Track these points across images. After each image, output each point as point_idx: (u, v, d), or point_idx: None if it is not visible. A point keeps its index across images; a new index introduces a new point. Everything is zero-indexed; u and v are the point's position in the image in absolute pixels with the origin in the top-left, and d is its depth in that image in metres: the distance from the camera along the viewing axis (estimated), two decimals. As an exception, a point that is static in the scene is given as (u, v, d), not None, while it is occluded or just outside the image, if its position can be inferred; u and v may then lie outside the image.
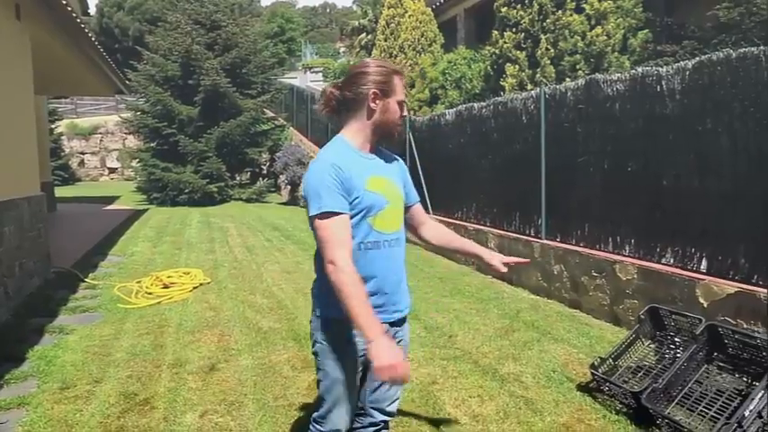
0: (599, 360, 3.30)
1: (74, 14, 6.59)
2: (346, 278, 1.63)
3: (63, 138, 21.27)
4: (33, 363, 3.82)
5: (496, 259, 2.04)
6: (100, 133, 23.30)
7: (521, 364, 3.70)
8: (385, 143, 1.95)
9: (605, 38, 9.00)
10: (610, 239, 4.72)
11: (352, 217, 1.77)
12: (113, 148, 23.37)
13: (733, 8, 7.85)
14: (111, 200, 15.40)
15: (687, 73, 4.01)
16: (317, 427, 1.93)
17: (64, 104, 23.12)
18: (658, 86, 4.23)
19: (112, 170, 23.48)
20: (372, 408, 1.99)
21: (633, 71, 4.50)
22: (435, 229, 2.15)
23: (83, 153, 23.20)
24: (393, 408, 2.02)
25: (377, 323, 1.61)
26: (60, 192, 15.70)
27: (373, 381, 1.91)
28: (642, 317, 3.49)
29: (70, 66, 9.01)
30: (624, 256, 4.55)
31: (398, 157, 2.03)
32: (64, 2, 6.16)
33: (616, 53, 9.11)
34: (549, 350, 3.94)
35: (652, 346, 3.45)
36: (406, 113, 1.89)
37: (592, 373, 3.26)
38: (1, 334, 4.37)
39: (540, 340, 4.15)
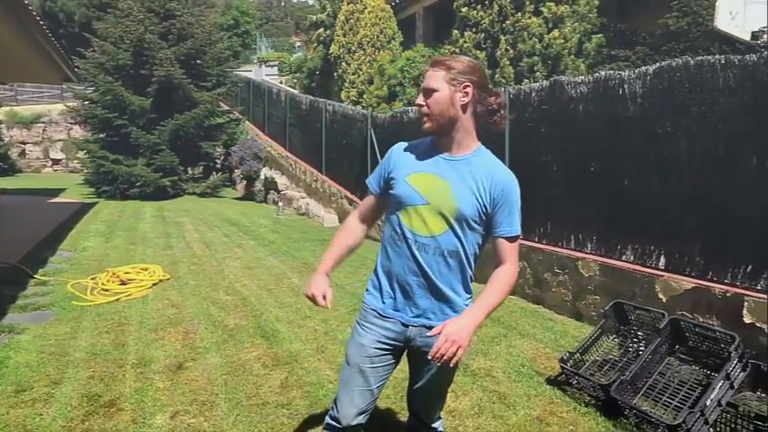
0: (567, 354, 3.40)
1: (21, -5, 6.23)
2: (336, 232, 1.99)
3: (2, 126, 20.09)
4: (-18, 365, 3.60)
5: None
6: (43, 122, 22.10)
7: (490, 359, 3.77)
8: (432, 135, 1.85)
9: (562, 41, 9.26)
10: (572, 237, 4.87)
11: (390, 203, 1.89)
12: (57, 138, 22.23)
13: (681, 18, 8.23)
14: (57, 192, 14.65)
15: (648, 77, 4.17)
16: (330, 411, 1.99)
17: (2, 91, 21.84)
18: (620, 89, 4.38)
19: (56, 161, 22.34)
20: (411, 413, 2.09)
21: (597, 74, 4.65)
22: (493, 276, 1.82)
23: (24, 143, 21.95)
24: (431, 419, 2.01)
25: (322, 262, 1.96)
26: (0, 183, 14.88)
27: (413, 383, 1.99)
28: (607, 312, 3.62)
29: (14, 50, 8.51)
30: (586, 253, 4.70)
31: (501, 174, 1.78)
32: (11, -19, 5.82)
33: (572, 56, 9.39)
34: (517, 345, 4.03)
35: (616, 340, 3.59)
36: (419, 101, 1.79)
37: (561, 367, 3.35)
38: (-56, 335, 4.11)
39: (506, 335, 4.24)
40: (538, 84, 5.32)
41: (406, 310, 1.84)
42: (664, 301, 3.94)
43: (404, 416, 2.92)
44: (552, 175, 5.06)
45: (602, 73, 4.58)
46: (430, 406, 1.99)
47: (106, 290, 5.24)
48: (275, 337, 4.16)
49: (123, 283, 5.39)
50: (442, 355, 1.59)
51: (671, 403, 2.96)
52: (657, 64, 4.14)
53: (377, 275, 1.93)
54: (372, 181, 1.96)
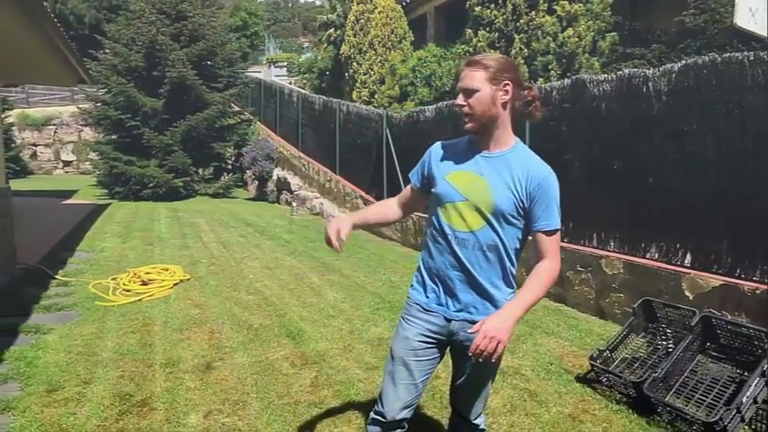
0: (597, 352, 3.39)
1: (41, -2, 6.27)
2: None
3: (14, 128, 20.25)
4: (12, 364, 3.62)
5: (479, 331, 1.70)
6: (54, 124, 22.28)
7: (518, 357, 3.76)
8: (471, 133, 1.88)
9: (576, 39, 9.22)
10: (595, 235, 4.85)
11: (431, 200, 1.94)
12: (68, 140, 22.39)
13: (699, 14, 8.18)
14: (69, 194, 14.75)
15: (673, 75, 4.15)
16: (375, 406, 2.01)
17: (14, 93, 22.01)
18: (645, 87, 4.36)
19: (67, 163, 22.50)
20: (453, 409, 2.09)
21: (620, 72, 4.63)
22: (533, 271, 1.81)
23: (35, 145, 22.13)
24: (473, 416, 2.01)
25: (353, 214, 2.08)
26: (13, 185, 14.93)
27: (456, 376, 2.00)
28: (636, 310, 3.61)
29: (30, 51, 8.56)
30: (610, 251, 4.69)
31: (538, 169, 1.79)
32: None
33: (586, 54, 9.35)
34: (543, 343, 4.02)
35: (645, 338, 3.57)
36: (459, 101, 1.81)
37: (591, 365, 3.34)
38: (-29, 335, 4.14)
39: (531, 334, 4.23)
40: (559, 82, 5.31)
41: (448, 305, 1.87)
42: (690, 298, 3.92)
43: (440, 415, 2.93)
44: (574, 173, 5.04)
45: (626, 71, 4.56)
46: (472, 402, 1.99)
47: (128, 290, 5.27)
48: (300, 336, 4.16)
49: (145, 284, 5.42)
50: (482, 351, 1.61)
51: (704, 401, 2.94)
52: (683, 61, 4.12)
53: (420, 271, 1.97)
54: (413, 174, 2.04)
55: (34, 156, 22.06)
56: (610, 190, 4.68)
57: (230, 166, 16.94)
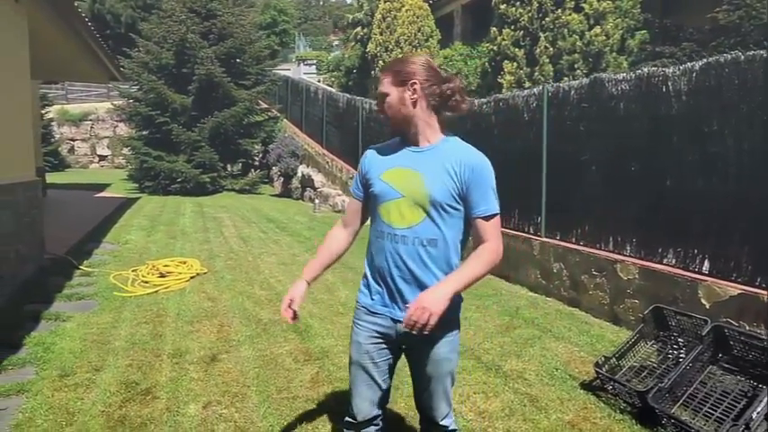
0: (603, 359, 3.32)
1: (72, -3, 6.47)
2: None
3: (53, 124, 20.95)
4: (30, 349, 3.76)
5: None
6: (90, 120, 22.97)
7: (523, 361, 3.70)
8: (399, 134, 1.91)
9: (604, 38, 9.05)
10: (611, 239, 4.74)
11: (371, 203, 1.93)
12: (104, 135, 23.06)
13: (733, 11, 7.92)
14: (102, 187, 15.19)
15: (694, 74, 4.02)
16: (348, 411, 2.02)
17: (54, 90, 22.75)
18: (664, 87, 4.24)
19: (103, 157, 23.18)
20: (420, 413, 2.04)
21: (639, 71, 4.51)
22: (473, 252, 1.80)
23: (73, 140, 22.86)
24: (438, 417, 1.95)
25: (305, 270, 2.05)
26: (50, 178, 15.46)
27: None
28: (646, 317, 3.51)
29: (65, 50, 8.85)
30: (625, 255, 4.57)
31: (470, 157, 1.78)
32: (62, -16, 6.05)
33: (614, 53, 9.17)
34: (551, 348, 3.95)
35: (655, 346, 3.47)
36: (377, 107, 1.94)
37: (596, 372, 3.27)
38: (-4, 320, 4.30)
39: (540, 338, 4.16)
40: (577, 81, 5.20)
41: (394, 306, 1.86)
42: (707, 307, 3.80)
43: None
44: (591, 174, 4.94)
45: (645, 70, 4.44)
46: (434, 402, 1.94)
47: (146, 282, 5.40)
48: (307, 332, 4.19)
49: (162, 276, 5.54)
50: (415, 323, 1.60)
51: (712, 414, 2.84)
52: (704, 60, 3.98)
53: (365, 274, 1.98)
54: (353, 187, 2.03)
55: (72, 150, 22.77)
56: (627, 192, 4.57)
57: (257, 163, 17.16)
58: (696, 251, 4.04)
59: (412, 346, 1.89)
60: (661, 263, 4.27)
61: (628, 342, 3.47)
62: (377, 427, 2.00)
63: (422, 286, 1.79)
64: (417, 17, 15.36)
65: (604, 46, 8.97)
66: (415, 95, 1.80)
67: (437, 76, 1.82)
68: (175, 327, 4.24)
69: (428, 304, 1.61)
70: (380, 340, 1.90)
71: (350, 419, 1.99)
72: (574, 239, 5.16)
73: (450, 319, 1.78)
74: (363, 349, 1.92)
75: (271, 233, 8.84)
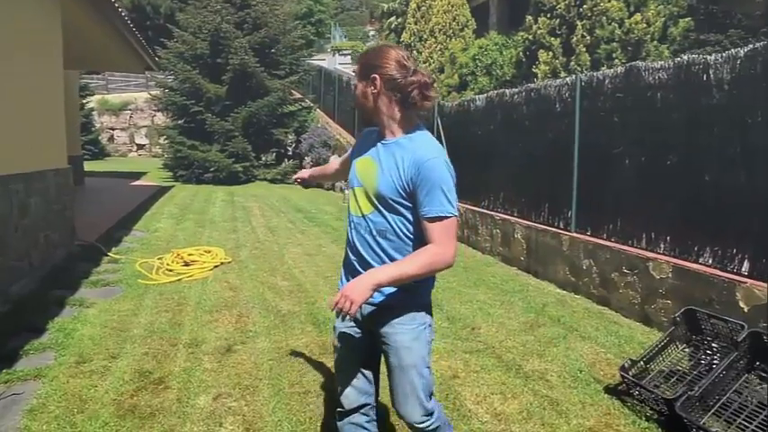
0: (629, 362, 3.14)
1: (104, -13, 6.55)
2: None
3: (94, 113, 21.55)
4: (52, 334, 3.81)
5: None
6: (129, 110, 23.56)
7: (546, 361, 3.56)
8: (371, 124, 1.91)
9: (644, 26, 8.67)
10: (644, 235, 4.51)
11: None
12: (142, 124, 23.62)
13: (786, -4, 7.45)
14: (138, 176, 15.55)
15: (738, 62, 3.76)
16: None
17: (95, 80, 23.39)
18: (705, 75, 3.98)
19: (141, 146, 23.75)
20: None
21: (678, 59, 4.26)
22: (412, 253, 1.77)
23: (112, 129, 23.50)
24: (407, 417, 1.85)
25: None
26: (90, 166, 15.90)
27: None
28: (678, 319, 3.31)
29: (100, 41, 9.01)
30: (658, 253, 4.34)
31: (419, 153, 1.72)
32: (94, -26, 6.12)
33: (655, 42, 8.78)
34: (576, 348, 3.78)
35: (687, 350, 3.27)
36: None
37: (621, 376, 3.10)
38: (24, 304, 4.40)
39: (566, 337, 3.99)
40: (612, 70, 4.96)
41: None
42: (745, 310, 3.56)
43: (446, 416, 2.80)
44: (624, 167, 4.71)
45: (684, 57, 4.18)
46: (400, 398, 1.85)
47: (170, 270, 5.44)
48: (326, 325, 4.13)
49: (187, 265, 5.58)
50: (340, 310, 1.63)
51: (747, 427, 2.65)
52: (750, 46, 3.71)
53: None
54: (351, 150, 2.10)
55: (111, 139, 23.41)
56: (662, 187, 4.33)
57: (290, 153, 17.26)
58: (735, 251, 3.79)
59: (375, 331, 1.87)
60: (696, 262, 4.04)
61: (657, 345, 3.28)
62: (367, 418, 1.95)
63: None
64: (452, 6, 15.11)
65: (645, 34, 8.60)
66: (376, 90, 1.77)
67: (402, 72, 1.74)
68: (194, 316, 4.25)
69: (350, 292, 1.62)
70: (351, 324, 1.91)
71: (339, 408, 1.99)
72: (605, 235, 4.94)
73: (398, 306, 1.80)
74: (338, 333, 1.95)
75: (299, 223, 8.85)
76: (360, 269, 1.82)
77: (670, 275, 4.15)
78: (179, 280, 5.21)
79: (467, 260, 6.61)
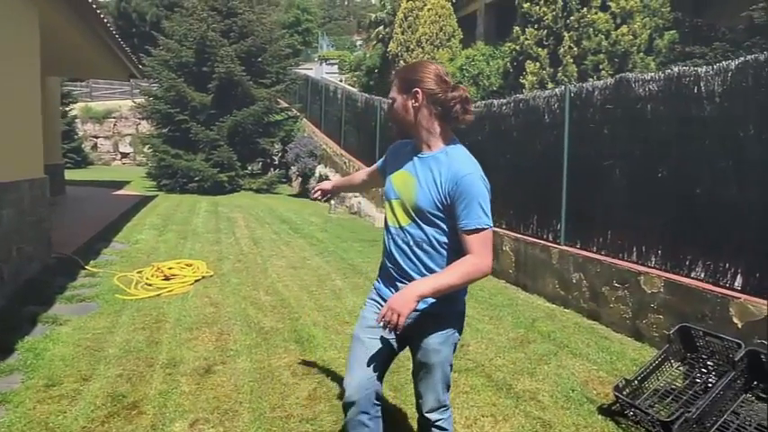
0: (623, 382, 3.04)
1: (84, -7, 6.40)
2: None
3: (77, 121, 21.20)
4: (22, 355, 3.62)
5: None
6: (114, 117, 23.23)
7: (537, 380, 3.45)
8: (401, 136, 2.05)
9: (631, 37, 8.70)
10: (634, 249, 4.45)
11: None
12: (126, 132, 23.29)
13: (769, 10, 7.51)
14: (122, 185, 15.26)
15: (729, 74, 3.72)
16: None
17: (79, 87, 23.06)
18: (696, 87, 3.94)
19: (125, 155, 23.41)
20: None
21: (669, 71, 4.21)
22: (453, 264, 1.84)
23: (96, 137, 23.14)
24: (424, 408, 2.00)
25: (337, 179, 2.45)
26: (72, 174, 15.60)
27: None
28: (672, 336, 3.23)
29: (82, 47, 8.83)
30: (650, 267, 4.28)
31: (457, 167, 1.78)
32: (73, -21, 5.97)
33: (641, 53, 8.81)
34: (568, 366, 3.68)
35: (681, 368, 3.19)
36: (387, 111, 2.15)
37: (615, 396, 3.00)
38: (-8, 321, 4.20)
39: (557, 354, 3.89)
40: (602, 81, 4.91)
41: (391, 291, 1.97)
42: (739, 326, 3.49)
43: None
44: (614, 180, 4.65)
45: (675, 69, 4.14)
46: (421, 389, 2.01)
47: (150, 284, 5.27)
48: (310, 342, 3.99)
49: (167, 279, 5.41)
50: (388, 322, 1.72)
51: (745, 449, 2.56)
52: (741, 58, 3.67)
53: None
54: (380, 161, 2.26)
55: (95, 147, 23.05)
56: (653, 199, 4.27)
57: (276, 162, 17.09)
58: (728, 265, 3.73)
59: (407, 332, 1.91)
60: (689, 276, 3.97)
61: (651, 363, 3.19)
62: (368, 415, 1.98)
63: (408, 280, 1.91)
64: (440, 16, 15.11)
65: (631, 46, 8.61)
66: (418, 103, 1.84)
67: (443, 86, 1.83)
68: (173, 334, 4.08)
69: (396, 306, 1.71)
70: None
71: (345, 400, 2.00)
72: (595, 248, 4.87)
73: (440, 314, 1.90)
74: (365, 323, 2.03)
75: (283, 234, 8.69)
76: (396, 276, 1.95)
77: (662, 290, 4.08)
78: (158, 295, 5.03)
79: (455, 273, 6.50)
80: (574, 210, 5.16)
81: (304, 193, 14.92)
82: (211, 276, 5.77)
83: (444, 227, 1.85)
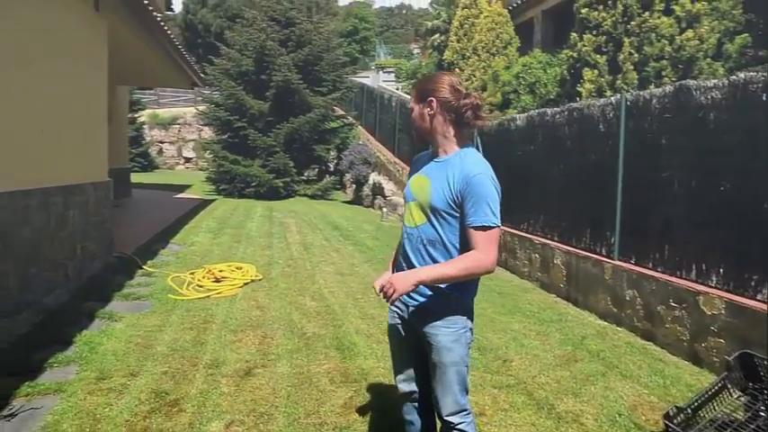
0: (675, 409, 2.85)
1: (150, 7, 6.72)
2: None
3: (145, 127, 22.29)
4: (78, 348, 3.82)
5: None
6: (179, 124, 24.27)
7: (581, 401, 3.30)
8: (423, 144, 2.15)
9: (697, 42, 8.27)
10: (694, 266, 4.19)
11: None
12: (190, 138, 24.28)
13: None
14: (183, 188, 15.91)
15: (802, 81, 3.46)
16: None
17: (147, 95, 24.26)
18: (765, 95, 3.69)
19: (188, 160, 24.40)
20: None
21: (733, 77, 3.96)
22: (456, 257, 1.99)
23: (162, 142, 24.25)
24: (443, 411, 2.04)
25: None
26: (138, 178, 16.41)
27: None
28: (731, 364, 3.01)
29: (148, 58, 9.30)
30: (710, 286, 4.02)
31: (468, 168, 1.91)
32: (140, -6, 6.29)
33: (708, 59, 8.36)
34: (616, 388, 3.50)
35: (743, 399, 2.96)
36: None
37: (665, 425, 2.82)
38: (55, 315, 4.45)
39: (605, 374, 3.72)
40: (660, 89, 4.68)
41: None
42: (809, 354, 3.21)
43: None
44: (672, 193, 4.41)
45: (741, 75, 3.89)
46: (438, 392, 2.06)
47: (200, 286, 5.43)
48: (350, 350, 3.99)
49: (217, 281, 5.56)
50: (384, 293, 1.89)
51: (810, 489, 2.34)
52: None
53: None
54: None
55: (160, 152, 24.14)
56: (715, 214, 4.01)
57: (331, 169, 17.33)
58: (798, 287, 3.45)
59: (419, 330, 2.06)
60: (754, 298, 3.70)
61: (707, 391, 2.97)
62: (409, 407, 2.24)
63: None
64: (496, 24, 14.91)
65: (697, 51, 8.19)
66: (433, 111, 2.00)
67: (456, 94, 1.98)
68: (218, 335, 4.18)
69: (395, 281, 1.88)
70: (400, 321, 2.18)
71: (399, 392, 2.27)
72: (650, 264, 4.63)
73: (437, 310, 2.00)
74: (391, 330, 2.24)
75: (334, 241, 8.77)
76: None
77: (723, 312, 3.82)
78: (207, 296, 5.18)
79: (503, 285, 6.35)
80: (628, 223, 4.93)
81: (357, 200, 15.03)
82: (260, 280, 5.89)
83: (456, 226, 1.96)
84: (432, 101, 1.99)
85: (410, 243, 2.06)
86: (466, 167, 1.92)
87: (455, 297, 2.01)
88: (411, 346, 2.15)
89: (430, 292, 2.01)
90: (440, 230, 1.98)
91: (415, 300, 2.04)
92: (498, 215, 1.90)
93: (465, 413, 2.05)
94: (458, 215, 1.94)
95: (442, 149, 2.03)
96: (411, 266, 2.03)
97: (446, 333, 2.00)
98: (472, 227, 1.89)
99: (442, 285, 1.98)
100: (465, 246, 1.94)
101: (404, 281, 1.88)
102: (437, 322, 2.00)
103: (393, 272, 2.25)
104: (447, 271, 1.90)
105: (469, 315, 2.06)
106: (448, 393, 2.02)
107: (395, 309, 2.19)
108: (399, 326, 2.18)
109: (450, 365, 2.01)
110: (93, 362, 3.60)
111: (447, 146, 2.02)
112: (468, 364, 2.06)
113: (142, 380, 3.34)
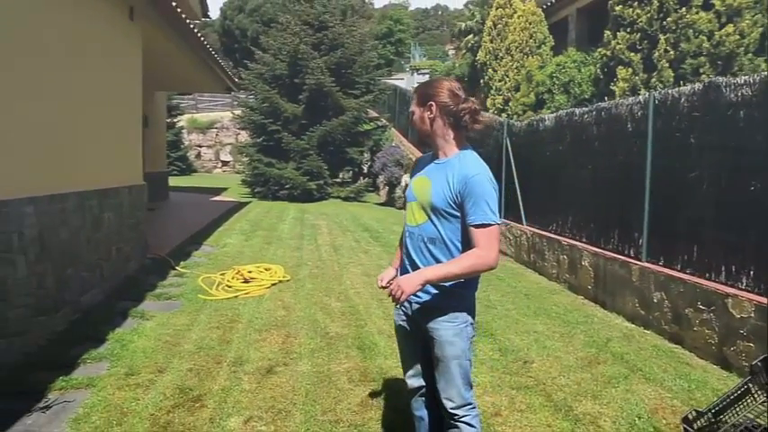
0: (694, 413, 2.80)
1: (183, 15, 6.95)
2: None
3: (183, 131, 22.96)
4: (110, 345, 3.99)
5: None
6: (216, 128, 24.91)
7: (601, 403, 3.26)
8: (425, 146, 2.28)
9: (737, 37, 8.00)
10: (723, 268, 4.07)
11: None
12: (227, 142, 24.88)
13: None
14: (219, 191, 16.31)
15: (835, 77, 3.32)
16: None
17: (186, 100, 24.98)
18: (796, 92, 3.56)
19: (225, 163, 25.00)
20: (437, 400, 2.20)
21: (764, 73, 3.84)
22: (459, 255, 2.05)
23: (200, 146, 24.92)
24: (447, 404, 2.08)
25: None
26: (176, 181, 16.92)
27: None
28: (755, 367, 2.92)
29: (182, 64, 9.59)
30: (740, 289, 3.90)
31: (466, 169, 1.99)
32: (174, 3, 6.50)
33: (750, 54, 8.05)
34: (637, 391, 3.44)
35: (766, 404, 2.87)
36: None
37: (684, 428, 2.77)
38: (91, 314, 4.66)
39: (627, 377, 3.65)
40: (689, 87, 4.57)
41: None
42: (843, 360, 3.08)
43: None
44: (701, 193, 4.29)
45: (771, 72, 3.77)
46: (441, 385, 2.11)
47: (229, 286, 5.58)
48: (371, 350, 4.04)
49: (246, 281, 5.70)
50: (393, 295, 1.95)
51: (834, 500, 2.26)
52: None
53: None
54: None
55: (199, 156, 24.81)
56: (744, 215, 3.89)
57: (365, 171, 17.46)
58: (832, 291, 3.32)
59: (423, 326, 2.12)
60: (785, 302, 3.58)
61: (730, 395, 2.90)
62: (418, 403, 2.31)
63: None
64: (530, 23, 14.73)
65: (738, 47, 7.92)
66: (432, 115, 2.07)
67: (455, 99, 2.05)
68: (244, 334, 4.30)
69: (402, 284, 1.94)
70: (405, 318, 2.24)
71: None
72: (679, 266, 4.51)
73: (441, 307, 2.06)
74: (396, 326, 2.31)
75: (363, 242, 8.85)
76: (410, 270, 2.10)
77: (752, 315, 3.71)
78: (236, 297, 5.32)
79: (530, 287, 6.29)
80: (656, 224, 4.82)
81: (390, 201, 15.10)
82: (288, 281, 6.00)
83: (456, 224, 2.03)
84: (432, 105, 2.07)
85: (412, 241, 2.14)
86: (465, 168, 1.99)
87: (458, 293, 2.07)
88: (417, 342, 2.22)
89: (434, 290, 2.07)
90: (440, 229, 2.05)
91: (419, 297, 2.09)
92: (497, 213, 1.97)
93: (470, 407, 2.10)
94: (457, 214, 2.01)
95: (442, 151, 2.10)
96: (413, 263, 2.11)
97: (448, 328, 2.06)
98: (473, 225, 1.95)
99: (446, 283, 2.04)
100: (466, 244, 2.01)
101: (410, 282, 1.94)
102: (439, 318, 2.07)
103: (398, 269, 2.31)
104: (451, 269, 1.97)
105: (471, 311, 2.13)
106: (452, 387, 2.08)
107: (401, 307, 2.24)
108: (405, 323, 2.25)
109: (453, 359, 2.07)
110: (124, 358, 3.76)
111: (447, 148, 2.09)
112: (470, 359, 2.11)
113: (168, 376, 3.47)
